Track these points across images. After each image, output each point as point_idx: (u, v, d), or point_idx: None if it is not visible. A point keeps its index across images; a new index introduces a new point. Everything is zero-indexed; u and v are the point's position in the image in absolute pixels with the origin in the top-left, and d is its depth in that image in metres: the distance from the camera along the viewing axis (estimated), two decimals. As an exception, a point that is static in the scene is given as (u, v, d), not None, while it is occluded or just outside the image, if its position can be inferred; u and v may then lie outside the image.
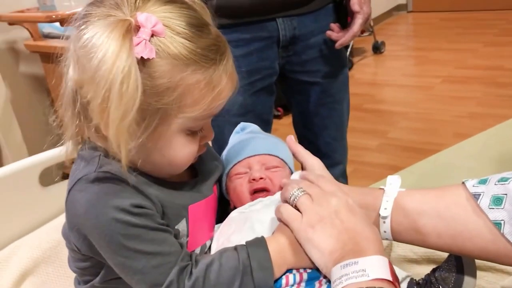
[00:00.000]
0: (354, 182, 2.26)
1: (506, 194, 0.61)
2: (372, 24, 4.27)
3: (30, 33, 2.18)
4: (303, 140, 1.49)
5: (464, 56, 3.89)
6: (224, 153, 0.84)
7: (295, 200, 0.64)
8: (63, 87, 0.62)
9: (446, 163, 2.36)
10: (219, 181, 0.80)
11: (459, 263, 0.70)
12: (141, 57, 0.54)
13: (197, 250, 0.71)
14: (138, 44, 0.54)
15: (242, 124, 0.87)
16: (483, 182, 0.65)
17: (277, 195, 0.73)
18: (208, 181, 0.74)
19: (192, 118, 0.60)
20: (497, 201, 0.61)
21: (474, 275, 0.70)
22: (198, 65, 0.58)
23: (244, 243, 0.64)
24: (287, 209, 0.64)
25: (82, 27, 0.57)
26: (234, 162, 0.79)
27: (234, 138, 0.85)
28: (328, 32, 1.24)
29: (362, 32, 4.38)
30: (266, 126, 1.37)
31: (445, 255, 0.74)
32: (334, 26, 1.25)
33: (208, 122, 0.67)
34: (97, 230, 0.59)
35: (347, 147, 1.52)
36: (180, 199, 0.68)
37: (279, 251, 0.63)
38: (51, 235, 1.02)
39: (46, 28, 2.16)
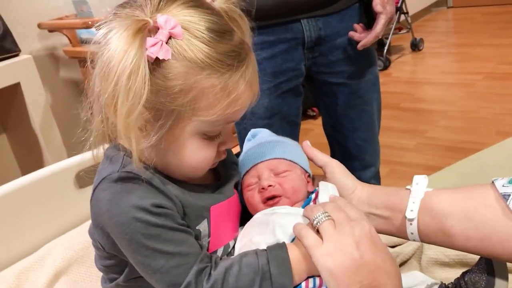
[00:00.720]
0: (391, 183, 2.21)
1: None
2: (410, 21, 4.18)
3: (69, 39, 2.25)
4: (333, 142, 1.47)
5: (507, 52, 3.75)
6: (238, 163, 0.83)
7: (318, 224, 0.62)
8: (91, 86, 0.63)
9: (488, 163, 2.27)
10: (237, 186, 0.80)
11: (490, 266, 0.68)
12: (156, 57, 0.55)
13: (220, 250, 0.71)
14: (154, 44, 0.55)
15: (253, 130, 0.86)
16: None
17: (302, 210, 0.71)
18: (230, 184, 0.75)
19: (207, 122, 0.61)
20: None
21: (506, 278, 0.67)
22: (213, 70, 0.58)
23: (265, 248, 0.64)
24: (308, 234, 0.62)
25: (108, 27, 0.58)
26: (243, 172, 0.79)
27: (245, 147, 0.84)
28: (351, 33, 1.23)
29: (400, 29, 4.31)
30: (293, 129, 1.36)
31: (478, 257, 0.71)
32: (357, 26, 1.23)
33: (227, 128, 0.67)
34: (119, 228, 0.60)
35: (379, 149, 1.47)
36: (201, 200, 0.68)
37: (300, 258, 0.62)
38: (84, 236, 1.04)
39: (84, 34, 2.22)
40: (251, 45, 0.65)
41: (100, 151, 0.69)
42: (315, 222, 0.62)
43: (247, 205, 0.78)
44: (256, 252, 0.63)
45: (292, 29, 1.22)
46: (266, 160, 0.78)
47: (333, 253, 0.59)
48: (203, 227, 0.67)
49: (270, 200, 0.74)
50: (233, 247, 0.73)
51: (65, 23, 2.16)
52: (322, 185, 0.76)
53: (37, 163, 1.97)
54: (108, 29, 0.58)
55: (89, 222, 1.13)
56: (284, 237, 0.66)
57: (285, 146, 0.81)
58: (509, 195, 0.60)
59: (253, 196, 0.76)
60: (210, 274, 0.61)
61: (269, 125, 1.25)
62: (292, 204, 0.74)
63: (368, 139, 1.40)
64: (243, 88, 0.61)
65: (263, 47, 1.20)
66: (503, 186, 0.62)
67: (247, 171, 0.78)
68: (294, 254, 0.62)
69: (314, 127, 2.99)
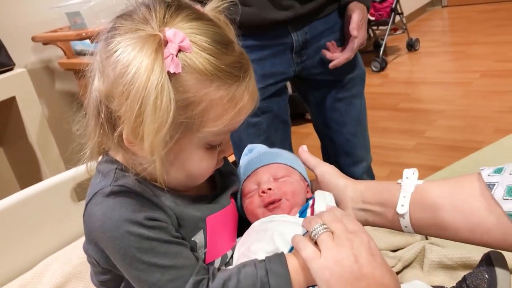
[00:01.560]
0: (391, 184, 2.20)
1: None
2: (405, 21, 4.18)
3: (64, 51, 2.25)
4: (324, 139, 1.51)
5: (504, 49, 3.75)
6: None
7: (316, 236, 0.62)
8: (87, 97, 0.63)
9: (488, 161, 2.25)
10: (235, 196, 0.79)
11: (491, 266, 0.67)
12: (168, 71, 0.55)
13: (217, 261, 0.70)
14: (165, 58, 0.55)
15: (249, 146, 0.87)
16: (499, 171, 0.63)
17: (302, 219, 0.71)
18: (226, 193, 0.74)
19: (213, 132, 0.61)
20: None
21: (508, 277, 0.67)
22: (222, 81, 0.58)
23: (264, 258, 0.63)
24: (306, 246, 0.61)
25: (110, 40, 0.58)
26: (244, 178, 0.79)
27: (243, 160, 0.84)
28: (323, 51, 1.28)
29: (395, 30, 4.31)
30: (285, 127, 1.40)
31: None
32: (330, 44, 1.29)
33: (227, 136, 0.67)
34: (112, 243, 0.59)
35: (369, 144, 1.52)
36: (196, 211, 0.67)
37: (299, 269, 0.61)
38: (81, 251, 1.03)
39: (78, 45, 2.22)
40: None
41: (94, 164, 0.68)
42: (313, 234, 0.62)
43: (246, 212, 0.77)
44: (255, 263, 0.62)
45: (280, 36, 1.25)
46: (265, 165, 0.78)
47: (331, 265, 0.58)
48: (199, 238, 0.67)
49: (270, 205, 0.74)
50: (231, 257, 0.72)
51: (59, 35, 2.16)
52: (319, 193, 0.76)
53: (35, 176, 1.96)
54: (116, 43, 0.57)
55: (86, 236, 1.13)
56: (282, 244, 0.66)
57: (283, 154, 0.82)
58: (494, 185, 0.62)
59: (253, 202, 0.75)
60: (207, 286, 0.60)
61: (260, 123, 1.30)
62: (292, 207, 0.74)
63: (357, 134, 1.44)
64: (247, 98, 0.62)
65: (252, 50, 1.23)
66: (488, 175, 0.63)
67: (247, 177, 0.79)
68: (292, 264, 0.62)
69: (312, 130, 2.97)
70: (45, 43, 2.22)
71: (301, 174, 0.80)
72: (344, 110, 1.40)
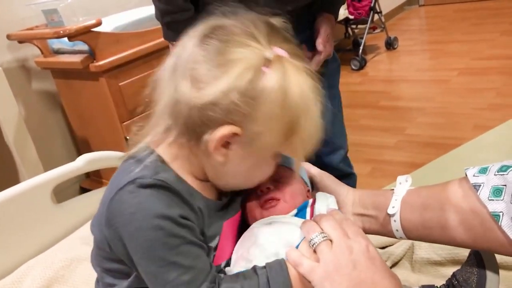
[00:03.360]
0: (374, 181, 2.21)
1: (505, 185, 0.61)
2: (383, 20, 4.21)
3: (40, 50, 2.20)
4: None
5: (480, 47, 3.81)
6: None
7: (315, 245, 0.62)
8: (160, 97, 0.62)
9: (468, 157, 2.29)
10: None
11: (480, 261, 0.68)
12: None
13: (223, 264, 0.70)
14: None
15: None
16: (484, 171, 0.64)
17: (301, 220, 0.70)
18: (238, 198, 0.74)
19: (290, 147, 0.63)
20: (497, 192, 0.61)
21: (496, 271, 0.68)
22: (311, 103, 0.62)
23: (265, 265, 0.62)
24: (302, 261, 0.61)
25: (219, 47, 0.58)
26: None
27: None
28: None
29: (374, 28, 4.34)
30: None
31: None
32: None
33: None
34: (138, 234, 0.58)
35: (345, 132, 1.57)
36: (217, 217, 0.68)
37: (300, 276, 0.61)
38: (64, 254, 1.01)
39: (56, 44, 2.17)
40: None
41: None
42: (311, 243, 0.62)
43: (244, 212, 0.75)
44: (256, 271, 0.62)
45: None
46: None
47: (330, 275, 0.59)
48: (214, 243, 0.67)
49: (268, 203, 0.72)
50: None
51: (36, 33, 2.11)
52: (321, 194, 0.76)
53: (12, 179, 1.91)
54: (231, 53, 0.58)
55: (69, 238, 1.10)
56: (282, 248, 0.64)
57: (285, 156, 0.80)
58: (479, 186, 0.63)
59: (250, 199, 0.74)
60: None
61: None
62: (290, 209, 0.72)
63: (335, 122, 1.48)
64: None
65: None
66: (473, 176, 0.65)
67: None
68: (294, 271, 0.61)
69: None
70: (21, 41, 2.17)
71: (302, 178, 0.78)
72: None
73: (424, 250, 0.89)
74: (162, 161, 0.63)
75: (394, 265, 0.91)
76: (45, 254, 1.03)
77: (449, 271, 0.78)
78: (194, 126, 0.59)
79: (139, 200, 0.58)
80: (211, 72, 0.57)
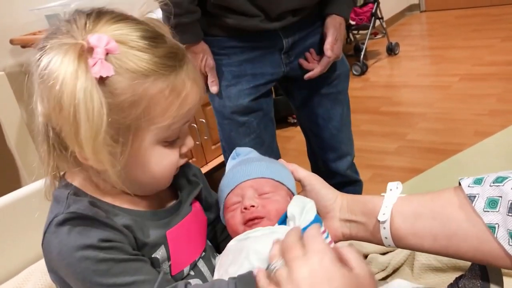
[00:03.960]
0: (375, 187, 2.21)
1: (501, 197, 0.60)
2: (385, 26, 4.23)
3: (43, 55, 2.20)
4: (309, 134, 1.54)
5: (481, 53, 3.82)
6: (221, 181, 0.80)
7: (273, 273, 0.58)
8: (36, 124, 0.63)
9: (468, 163, 2.30)
10: (201, 200, 0.78)
11: (484, 272, 0.67)
12: (100, 76, 0.55)
13: (186, 269, 0.69)
14: (94, 64, 0.55)
15: (237, 149, 0.83)
16: (479, 182, 0.64)
17: (278, 227, 0.69)
18: (187, 201, 0.73)
19: (165, 127, 0.61)
20: (492, 203, 0.61)
21: (501, 284, 0.67)
22: (158, 74, 0.58)
23: (236, 276, 0.61)
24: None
25: (39, 62, 0.57)
26: (228, 191, 0.75)
27: (229, 165, 0.81)
28: (300, 60, 1.34)
29: (375, 34, 4.36)
30: (272, 126, 1.44)
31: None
32: (308, 55, 1.34)
33: (184, 129, 0.66)
34: (70, 270, 0.59)
35: (353, 139, 1.56)
36: (156, 227, 0.66)
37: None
38: (65, 258, 1.01)
39: (58, 49, 2.18)
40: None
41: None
42: (270, 271, 0.59)
43: (227, 226, 0.75)
44: (228, 281, 0.61)
45: (270, 38, 1.28)
46: (253, 179, 0.74)
47: None
48: (160, 253, 0.66)
49: (251, 222, 0.71)
50: (199, 259, 0.72)
51: (39, 38, 2.11)
52: (297, 197, 0.74)
53: (14, 183, 1.91)
54: (45, 63, 0.56)
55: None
56: (259, 263, 0.63)
57: (272, 165, 0.78)
58: (474, 197, 0.63)
59: (234, 217, 0.72)
60: None
61: (250, 122, 1.33)
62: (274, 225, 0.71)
63: (342, 129, 1.48)
64: (190, 85, 0.62)
65: (244, 50, 1.27)
66: (468, 186, 0.64)
67: (232, 190, 0.75)
68: (263, 282, 0.59)
69: (295, 134, 2.99)
70: (23, 46, 2.17)
71: (289, 189, 0.76)
72: (330, 106, 1.44)
73: (425, 256, 0.89)
74: (75, 191, 0.63)
75: (395, 271, 0.91)
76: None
77: (450, 278, 0.78)
78: (56, 143, 0.61)
79: (59, 239, 0.59)
80: (38, 88, 0.59)
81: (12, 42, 2.13)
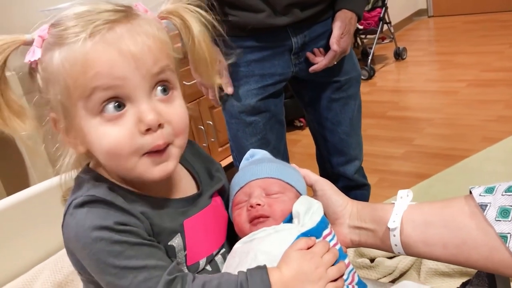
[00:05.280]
0: (381, 192, 2.21)
1: None
2: (392, 30, 4.23)
3: (53, 55, 2.22)
4: (318, 138, 1.53)
5: (489, 59, 3.81)
6: (232, 180, 0.81)
7: None
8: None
9: (475, 169, 2.29)
10: (223, 196, 0.79)
11: (492, 279, 0.67)
12: (36, 61, 0.60)
13: (202, 261, 0.70)
14: (29, 52, 0.61)
15: (251, 150, 0.84)
16: (490, 191, 0.64)
17: (282, 226, 0.70)
18: (207, 193, 0.74)
19: (84, 97, 0.58)
20: (504, 213, 0.60)
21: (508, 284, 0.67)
22: (55, 46, 0.59)
23: (245, 270, 0.63)
24: None
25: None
26: (236, 189, 0.76)
27: (241, 165, 0.83)
28: (308, 53, 1.32)
29: (383, 39, 4.35)
30: (281, 128, 1.43)
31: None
32: (316, 50, 1.32)
33: (134, 94, 0.59)
34: (85, 251, 0.60)
35: (362, 143, 1.55)
36: (173, 215, 0.67)
37: (282, 282, 0.61)
38: (73, 257, 1.01)
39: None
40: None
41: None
42: None
43: (234, 224, 0.75)
44: (238, 273, 0.63)
45: (280, 38, 1.27)
46: (261, 178, 0.75)
47: None
48: (176, 242, 0.66)
49: (256, 220, 0.71)
50: (216, 254, 0.72)
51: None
52: (304, 197, 0.74)
53: (22, 182, 1.92)
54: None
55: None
56: (268, 263, 0.64)
57: (283, 167, 0.79)
58: (486, 206, 0.62)
59: (240, 215, 0.73)
60: (182, 285, 0.60)
61: (257, 122, 1.33)
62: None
63: (351, 133, 1.47)
64: (98, 50, 0.57)
65: (253, 50, 1.26)
66: (479, 195, 0.64)
67: (241, 188, 0.76)
68: (276, 277, 0.61)
69: (301, 137, 2.99)
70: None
71: (298, 192, 0.76)
72: (339, 110, 1.43)
73: (432, 261, 0.89)
74: (96, 177, 0.65)
75: (402, 275, 0.91)
76: (55, 258, 1.03)
77: (457, 283, 0.78)
78: None
79: (76, 220, 0.60)
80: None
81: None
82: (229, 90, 1.28)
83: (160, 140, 0.60)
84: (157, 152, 0.61)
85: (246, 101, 1.30)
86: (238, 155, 1.40)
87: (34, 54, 0.60)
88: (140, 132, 0.59)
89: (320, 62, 1.30)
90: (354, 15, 1.31)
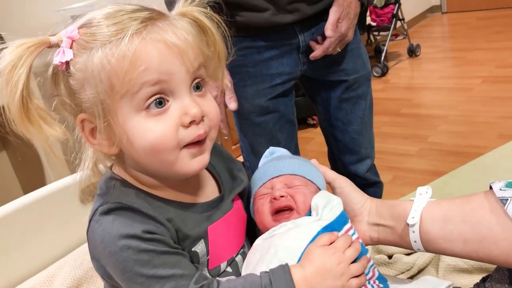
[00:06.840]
0: (395, 189, 2.20)
1: None
2: (406, 27, 4.20)
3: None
4: (329, 137, 1.51)
5: (504, 55, 3.76)
6: (252, 176, 0.81)
7: None
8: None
9: (491, 166, 2.26)
10: (243, 197, 0.79)
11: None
12: (66, 62, 0.59)
13: (223, 264, 0.70)
14: (57, 54, 0.60)
15: (271, 148, 0.85)
16: (511, 185, 0.63)
17: (301, 219, 0.70)
18: (230, 197, 0.73)
19: (131, 94, 0.58)
20: None
21: None
22: (99, 44, 0.58)
23: (268, 271, 0.63)
24: None
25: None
26: (259, 184, 0.77)
27: (261, 162, 0.83)
28: (311, 42, 1.28)
29: (396, 36, 4.32)
30: (291, 128, 1.41)
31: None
32: (319, 38, 1.28)
33: (179, 96, 0.61)
34: (112, 258, 0.60)
35: (374, 141, 1.53)
36: (197, 220, 0.67)
37: (305, 279, 0.62)
38: (92, 254, 1.03)
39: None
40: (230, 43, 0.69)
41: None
42: None
43: (255, 216, 0.76)
44: (260, 275, 0.63)
45: (287, 37, 1.26)
46: (284, 175, 0.76)
47: None
48: (200, 248, 0.67)
49: (279, 214, 0.72)
50: (236, 255, 0.73)
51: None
52: (323, 192, 0.75)
53: (39, 180, 1.95)
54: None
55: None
56: (289, 258, 0.64)
57: (304, 164, 0.79)
58: (507, 200, 0.62)
59: (263, 205, 0.73)
60: None
61: (266, 122, 1.32)
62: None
63: (362, 132, 1.45)
64: (146, 46, 0.57)
65: (260, 50, 1.25)
66: (500, 189, 0.64)
67: (263, 184, 0.76)
68: (299, 275, 0.62)
69: (314, 135, 2.99)
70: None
71: (319, 188, 0.77)
72: (349, 110, 1.41)
73: (451, 257, 0.88)
74: (122, 182, 0.65)
75: (420, 271, 0.91)
76: (74, 254, 1.05)
77: (476, 279, 0.78)
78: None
79: (103, 227, 0.60)
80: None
81: (38, 42, 2.16)
82: (232, 106, 1.25)
83: (201, 130, 0.62)
84: (196, 144, 0.62)
85: (255, 102, 1.30)
86: (248, 155, 1.40)
87: (64, 55, 0.59)
88: (183, 125, 0.60)
89: (319, 47, 1.25)
90: (357, 2, 1.24)
